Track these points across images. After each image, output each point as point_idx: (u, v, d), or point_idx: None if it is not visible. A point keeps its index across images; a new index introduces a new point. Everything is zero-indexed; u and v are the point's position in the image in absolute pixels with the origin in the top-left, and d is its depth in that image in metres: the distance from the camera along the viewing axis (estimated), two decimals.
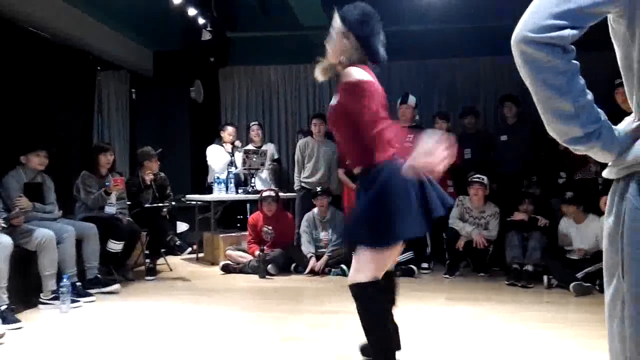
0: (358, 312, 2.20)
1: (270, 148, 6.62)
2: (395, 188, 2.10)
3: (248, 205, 6.40)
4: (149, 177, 5.36)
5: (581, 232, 4.64)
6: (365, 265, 2.16)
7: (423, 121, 6.18)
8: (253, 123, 6.73)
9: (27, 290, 3.89)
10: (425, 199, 2.15)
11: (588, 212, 4.63)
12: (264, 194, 5.55)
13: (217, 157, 6.40)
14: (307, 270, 5.17)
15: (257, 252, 5.22)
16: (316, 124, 6.01)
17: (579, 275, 4.38)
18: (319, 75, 2.40)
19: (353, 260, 2.25)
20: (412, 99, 5.52)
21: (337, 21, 2.26)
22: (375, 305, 2.20)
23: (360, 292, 2.17)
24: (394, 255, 2.33)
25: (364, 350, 2.56)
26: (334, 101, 2.30)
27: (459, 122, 6.31)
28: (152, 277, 5.05)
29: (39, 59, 5.38)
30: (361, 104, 2.14)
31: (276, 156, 6.65)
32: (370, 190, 2.15)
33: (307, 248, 5.35)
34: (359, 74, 2.18)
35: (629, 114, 3.78)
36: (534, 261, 4.72)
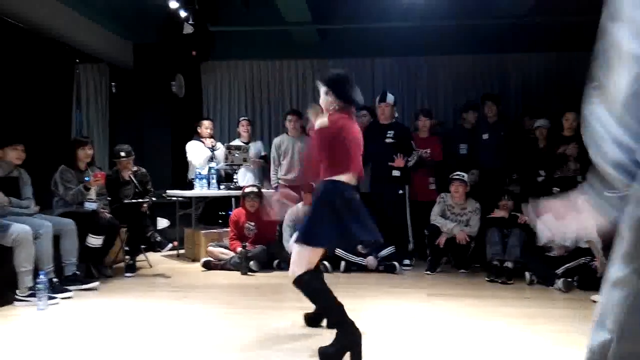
0: (306, 296, 2.80)
1: (257, 145, 6.58)
2: (332, 204, 2.71)
3: (233, 200, 6.35)
4: (126, 173, 5.28)
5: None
6: (301, 261, 2.79)
7: (404, 118, 6.21)
8: (243, 118, 6.67)
9: (2, 287, 3.81)
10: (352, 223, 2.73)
11: None
12: (247, 189, 5.52)
13: (196, 152, 6.33)
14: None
15: (239, 249, 5.19)
16: (291, 120, 5.99)
17: (559, 271, 4.45)
18: (312, 116, 3.10)
19: (292, 258, 2.84)
20: (390, 97, 5.54)
21: (319, 83, 2.98)
22: (314, 285, 2.81)
23: (300, 281, 2.78)
24: (320, 255, 2.92)
25: (309, 320, 3.25)
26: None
27: (458, 117, 6.33)
28: (131, 274, 4.99)
29: (16, 50, 5.26)
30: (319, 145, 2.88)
31: (263, 153, 6.61)
32: (316, 199, 2.83)
33: (288, 244, 5.33)
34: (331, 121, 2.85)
35: None
36: (514, 258, 4.78)
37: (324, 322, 3.16)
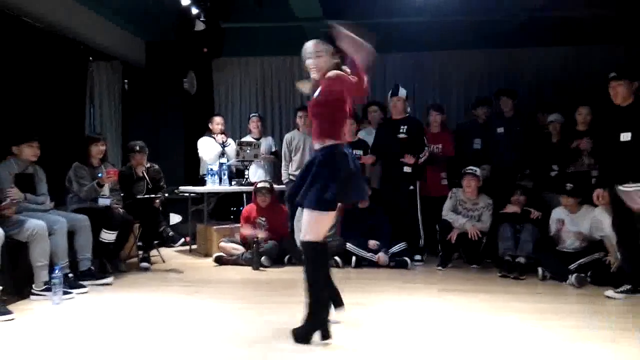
0: (306, 261, 2.80)
1: (268, 141, 6.60)
2: (340, 167, 2.75)
3: (244, 196, 6.38)
4: (140, 169, 5.33)
5: (575, 222, 4.66)
6: (314, 227, 2.76)
7: (415, 114, 6.19)
8: (253, 114, 6.69)
9: (18, 282, 3.87)
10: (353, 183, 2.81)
11: (582, 203, 4.66)
12: (259, 185, 5.54)
13: (207, 148, 6.37)
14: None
15: (248, 233, 5.30)
16: (302, 117, 5.99)
17: (572, 267, 4.41)
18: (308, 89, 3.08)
19: (302, 224, 2.82)
20: (402, 92, 5.51)
21: (321, 44, 2.93)
22: (319, 257, 2.81)
23: (310, 245, 2.77)
24: (332, 220, 2.91)
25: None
26: (316, 94, 2.94)
27: (470, 112, 6.31)
28: (147, 264, 5.07)
29: (31, 49, 5.33)
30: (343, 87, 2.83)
31: (274, 149, 6.63)
32: (322, 164, 2.77)
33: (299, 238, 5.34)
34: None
35: (621, 107, 3.82)
36: (526, 253, 4.75)
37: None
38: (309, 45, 2.96)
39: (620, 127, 3.83)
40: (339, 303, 3.03)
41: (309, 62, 2.95)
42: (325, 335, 2.81)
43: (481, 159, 5.61)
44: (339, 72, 2.86)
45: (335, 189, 2.71)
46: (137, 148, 5.34)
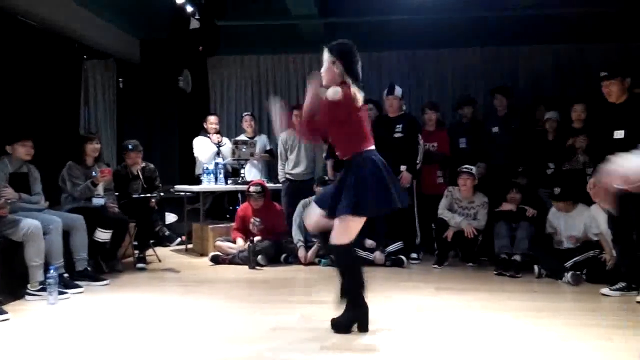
0: (338, 265, 2.97)
1: (262, 139, 6.59)
2: (370, 172, 2.81)
3: (240, 196, 6.38)
4: (135, 168, 5.31)
5: (569, 222, 4.68)
6: (346, 232, 2.86)
7: (411, 112, 6.19)
8: (246, 113, 6.68)
9: (13, 282, 3.84)
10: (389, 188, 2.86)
11: (577, 202, 4.68)
12: (250, 189, 5.50)
13: (202, 148, 6.36)
14: (302, 258, 5.21)
15: (238, 239, 5.33)
16: (297, 115, 5.97)
17: (567, 264, 4.43)
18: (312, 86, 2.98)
19: (335, 230, 2.88)
20: (398, 90, 5.51)
21: (326, 53, 2.91)
22: (352, 259, 3.00)
23: (340, 249, 2.90)
24: (361, 225, 2.94)
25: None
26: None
27: (455, 111, 6.31)
28: (143, 265, 5.06)
29: (25, 47, 5.28)
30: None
31: (268, 147, 6.62)
32: (354, 172, 2.84)
33: (296, 235, 5.34)
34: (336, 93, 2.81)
35: (614, 105, 3.81)
36: (522, 251, 4.76)
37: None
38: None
39: (614, 124, 3.84)
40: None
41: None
42: (363, 328, 2.95)
43: (467, 158, 5.57)
44: (331, 91, 2.83)
45: (364, 195, 2.79)
46: (131, 147, 5.32)
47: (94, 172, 4.73)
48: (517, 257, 4.73)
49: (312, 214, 3.13)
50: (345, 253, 2.93)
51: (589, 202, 4.56)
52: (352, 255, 3.02)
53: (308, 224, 3.22)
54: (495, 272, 4.72)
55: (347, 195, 2.82)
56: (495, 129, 5.76)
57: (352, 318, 2.96)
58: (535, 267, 4.60)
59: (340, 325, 2.94)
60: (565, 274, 4.33)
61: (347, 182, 2.86)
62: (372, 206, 2.84)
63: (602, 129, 3.97)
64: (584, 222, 4.56)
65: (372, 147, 2.92)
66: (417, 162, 5.35)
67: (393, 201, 2.86)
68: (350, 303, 2.94)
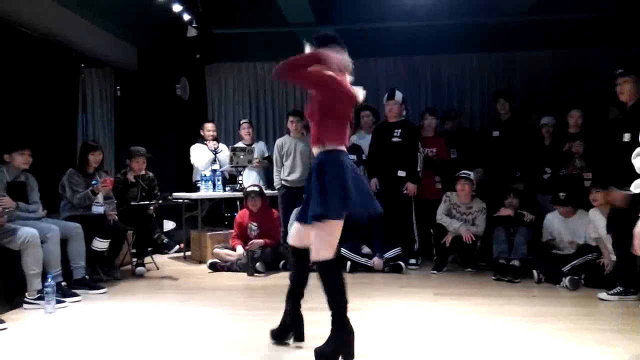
0: (324, 283, 2.58)
1: (260, 146, 6.60)
2: (338, 174, 2.57)
3: (238, 203, 6.38)
4: (131, 175, 5.31)
5: (569, 227, 4.69)
6: (325, 242, 2.56)
7: (410, 117, 6.21)
8: (243, 121, 6.69)
9: (11, 291, 3.84)
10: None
11: (577, 207, 4.69)
12: (249, 188, 5.54)
13: (199, 155, 6.37)
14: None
15: (238, 247, 5.28)
16: (293, 122, 5.99)
17: (565, 269, 4.43)
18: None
19: (313, 243, 2.61)
20: (398, 95, 5.52)
21: (307, 47, 2.75)
22: (337, 276, 2.62)
23: (326, 266, 2.58)
24: (340, 231, 2.64)
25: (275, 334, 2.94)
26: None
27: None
28: (142, 269, 5.07)
29: (22, 56, 5.30)
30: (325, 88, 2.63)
31: (266, 154, 6.63)
32: (321, 172, 2.60)
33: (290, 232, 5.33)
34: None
35: (626, 107, 3.81)
36: (520, 256, 4.76)
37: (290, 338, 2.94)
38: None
39: (623, 127, 3.83)
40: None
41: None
42: (349, 355, 2.62)
43: (461, 167, 5.55)
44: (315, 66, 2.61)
45: (336, 195, 2.54)
46: (141, 152, 5.37)
47: (94, 181, 4.73)
48: (516, 262, 4.73)
49: (293, 229, 2.93)
50: (331, 271, 2.61)
51: (585, 206, 4.58)
52: (338, 275, 2.63)
53: (291, 241, 2.90)
54: (494, 278, 4.72)
55: (314, 199, 2.59)
56: (495, 133, 5.75)
57: (339, 346, 2.59)
58: (535, 272, 4.60)
59: (325, 356, 2.56)
60: (563, 278, 4.33)
61: (313, 186, 2.62)
62: (340, 210, 2.57)
63: (611, 131, 3.95)
64: (584, 227, 4.57)
65: (343, 148, 2.68)
66: (418, 169, 5.36)
67: (365, 205, 2.65)
68: (335, 326, 2.61)
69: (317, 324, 2.81)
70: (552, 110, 5.68)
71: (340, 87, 2.64)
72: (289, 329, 2.93)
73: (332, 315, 2.62)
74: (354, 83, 2.79)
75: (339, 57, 2.66)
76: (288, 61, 2.59)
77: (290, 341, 2.93)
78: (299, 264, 2.87)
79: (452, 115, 6.35)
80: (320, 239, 2.58)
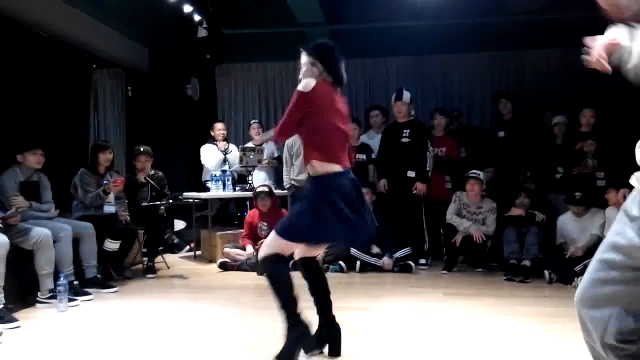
0: (269, 280, 2.57)
1: (269, 146, 6.61)
2: (318, 202, 2.47)
3: (248, 203, 6.40)
4: (142, 174, 5.34)
5: (583, 226, 4.65)
6: (274, 246, 2.56)
7: (417, 116, 6.19)
8: (253, 121, 6.71)
9: (24, 290, 3.87)
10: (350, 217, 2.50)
11: (590, 206, 4.65)
12: (258, 189, 5.55)
13: (209, 156, 6.40)
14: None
15: (248, 246, 5.30)
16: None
17: (577, 268, 4.39)
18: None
19: (266, 240, 2.64)
20: (406, 95, 5.51)
21: (304, 56, 2.66)
22: (281, 274, 2.56)
23: (269, 262, 2.57)
24: (294, 249, 2.67)
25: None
26: None
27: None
28: (152, 275, 5.04)
29: (35, 57, 5.36)
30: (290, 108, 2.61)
31: (276, 154, 6.64)
32: (303, 197, 2.59)
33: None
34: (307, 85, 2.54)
35: None
36: (531, 256, 4.73)
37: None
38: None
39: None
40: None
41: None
42: (309, 348, 2.61)
43: (470, 165, 5.50)
44: (303, 82, 2.56)
45: (300, 220, 2.49)
46: (142, 150, 5.37)
47: (105, 181, 4.76)
48: (527, 263, 4.70)
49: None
50: (274, 268, 2.58)
51: (599, 205, 4.54)
52: (282, 272, 2.57)
53: (296, 255, 2.81)
54: (505, 278, 4.69)
55: (290, 215, 2.66)
56: (501, 134, 5.76)
57: (296, 344, 2.55)
58: (546, 273, 4.57)
59: (285, 357, 2.51)
60: (575, 278, 4.30)
61: (295, 204, 2.62)
62: (304, 234, 2.52)
63: (624, 129, 3.91)
64: (597, 226, 4.53)
65: (337, 168, 2.52)
66: (428, 169, 5.34)
67: (334, 235, 2.60)
68: (288, 326, 2.56)
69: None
70: (564, 109, 5.64)
71: (311, 98, 2.52)
72: (324, 342, 2.77)
73: (281, 314, 2.57)
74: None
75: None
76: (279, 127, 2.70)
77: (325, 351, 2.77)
78: (309, 273, 2.79)
79: (455, 115, 6.33)
80: (273, 243, 2.56)
